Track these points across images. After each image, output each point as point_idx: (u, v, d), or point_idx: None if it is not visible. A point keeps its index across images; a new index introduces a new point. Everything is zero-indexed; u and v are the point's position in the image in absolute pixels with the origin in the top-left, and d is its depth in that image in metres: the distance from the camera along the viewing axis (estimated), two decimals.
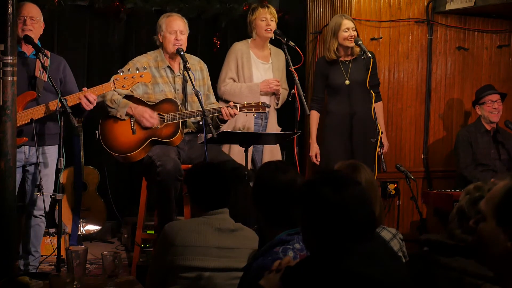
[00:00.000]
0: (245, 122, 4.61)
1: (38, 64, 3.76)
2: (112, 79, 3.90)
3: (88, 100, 3.74)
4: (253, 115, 4.50)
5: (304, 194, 1.87)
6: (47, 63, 3.76)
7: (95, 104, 3.80)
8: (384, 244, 1.93)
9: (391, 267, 1.80)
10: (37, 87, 3.78)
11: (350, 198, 1.79)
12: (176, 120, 4.05)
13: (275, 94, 4.73)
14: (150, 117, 4.04)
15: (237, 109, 4.11)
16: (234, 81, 4.68)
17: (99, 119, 4.11)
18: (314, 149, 4.75)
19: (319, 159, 4.73)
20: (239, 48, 4.72)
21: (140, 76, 3.92)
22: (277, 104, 4.76)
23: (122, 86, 3.87)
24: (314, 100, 4.78)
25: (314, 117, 4.74)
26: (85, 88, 3.81)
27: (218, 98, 4.68)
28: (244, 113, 4.25)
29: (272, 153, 4.71)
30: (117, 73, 3.91)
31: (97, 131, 4.07)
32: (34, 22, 3.79)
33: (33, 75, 3.80)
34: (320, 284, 1.74)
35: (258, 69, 4.73)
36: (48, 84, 3.74)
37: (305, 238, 1.90)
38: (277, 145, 4.71)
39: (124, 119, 4.06)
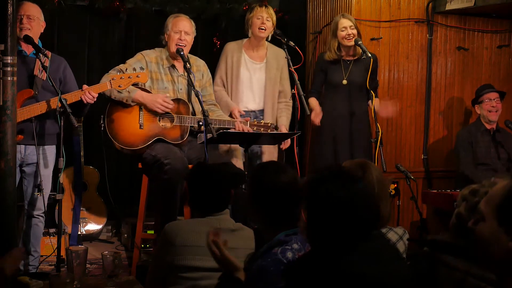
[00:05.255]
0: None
1: (38, 63, 3.76)
2: (108, 78, 3.91)
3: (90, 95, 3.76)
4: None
5: (310, 190, 1.86)
6: (47, 63, 3.76)
7: (95, 100, 3.80)
8: (387, 243, 1.93)
9: (392, 267, 1.80)
10: (35, 85, 3.78)
11: (356, 194, 1.79)
12: (185, 124, 4.06)
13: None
14: (164, 102, 4.02)
15: (247, 125, 4.17)
16: (222, 80, 4.67)
17: (106, 107, 4.08)
18: (317, 113, 4.62)
19: (320, 117, 4.61)
20: (230, 48, 4.73)
21: (137, 77, 3.93)
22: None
23: (119, 86, 3.88)
24: (311, 92, 4.75)
25: (314, 100, 4.66)
26: (85, 86, 3.82)
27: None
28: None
29: (271, 154, 4.68)
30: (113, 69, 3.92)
31: (102, 116, 4.06)
32: (32, 21, 3.78)
33: (32, 73, 3.80)
34: (321, 282, 1.74)
35: (248, 69, 4.71)
36: (47, 83, 3.74)
37: (309, 234, 1.90)
38: (275, 146, 4.68)
39: (130, 105, 4.04)
